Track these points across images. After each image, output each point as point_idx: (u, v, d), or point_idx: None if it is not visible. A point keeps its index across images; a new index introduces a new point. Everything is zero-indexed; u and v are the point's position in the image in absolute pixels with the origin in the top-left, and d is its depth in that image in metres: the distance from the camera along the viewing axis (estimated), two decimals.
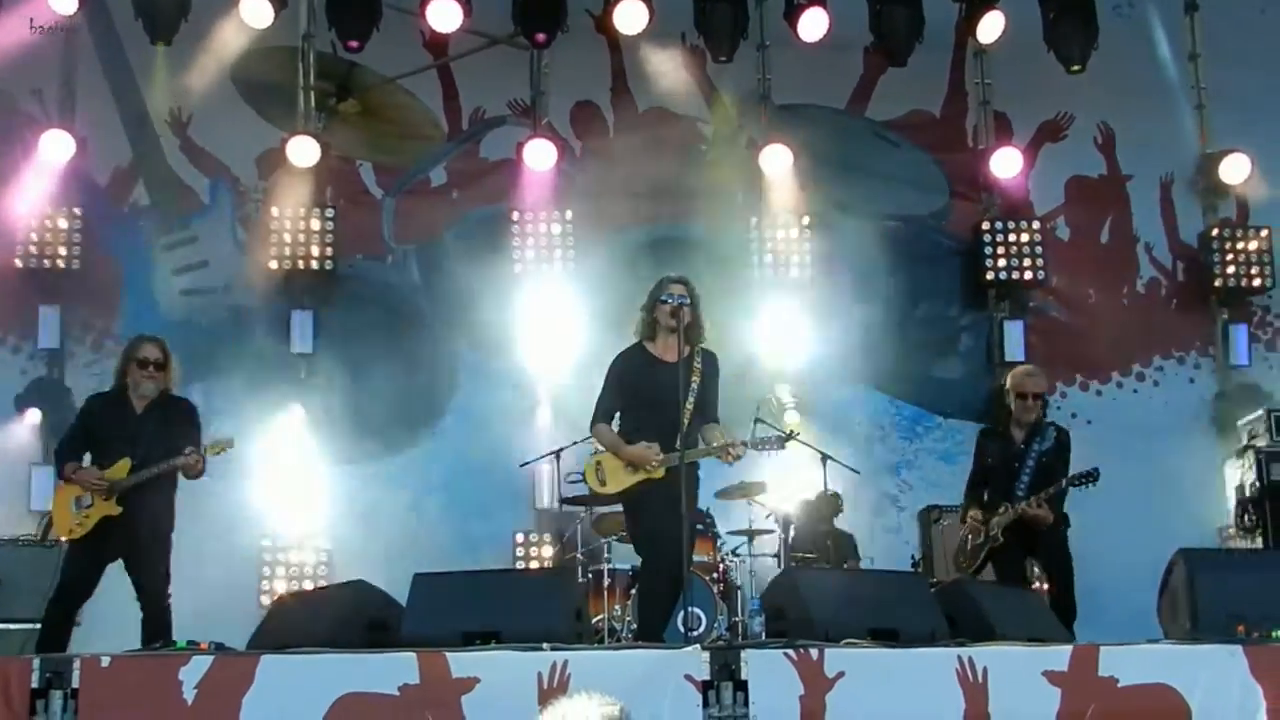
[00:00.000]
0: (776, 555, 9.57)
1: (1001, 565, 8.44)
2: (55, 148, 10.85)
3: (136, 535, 7.77)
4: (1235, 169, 11.55)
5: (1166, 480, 10.94)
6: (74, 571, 7.81)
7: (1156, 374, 11.67)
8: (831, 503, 10.27)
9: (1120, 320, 11.72)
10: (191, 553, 10.10)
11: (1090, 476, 8.29)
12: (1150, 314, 11.82)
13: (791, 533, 9.95)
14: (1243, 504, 10.48)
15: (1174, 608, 7.14)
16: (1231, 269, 11.52)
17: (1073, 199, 11.96)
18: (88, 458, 7.96)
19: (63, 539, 7.97)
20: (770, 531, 9.67)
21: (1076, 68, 11.30)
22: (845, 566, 10.09)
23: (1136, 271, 11.89)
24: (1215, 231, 11.66)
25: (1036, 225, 11.51)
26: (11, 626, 8.26)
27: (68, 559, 7.92)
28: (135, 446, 7.79)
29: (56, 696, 5.42)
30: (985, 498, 8.54)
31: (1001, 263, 11.39)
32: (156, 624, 7.68)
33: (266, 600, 10.30)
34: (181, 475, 7.94)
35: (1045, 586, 8.59)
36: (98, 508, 7.77)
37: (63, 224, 10.82)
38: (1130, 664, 5.87)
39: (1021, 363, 11.12)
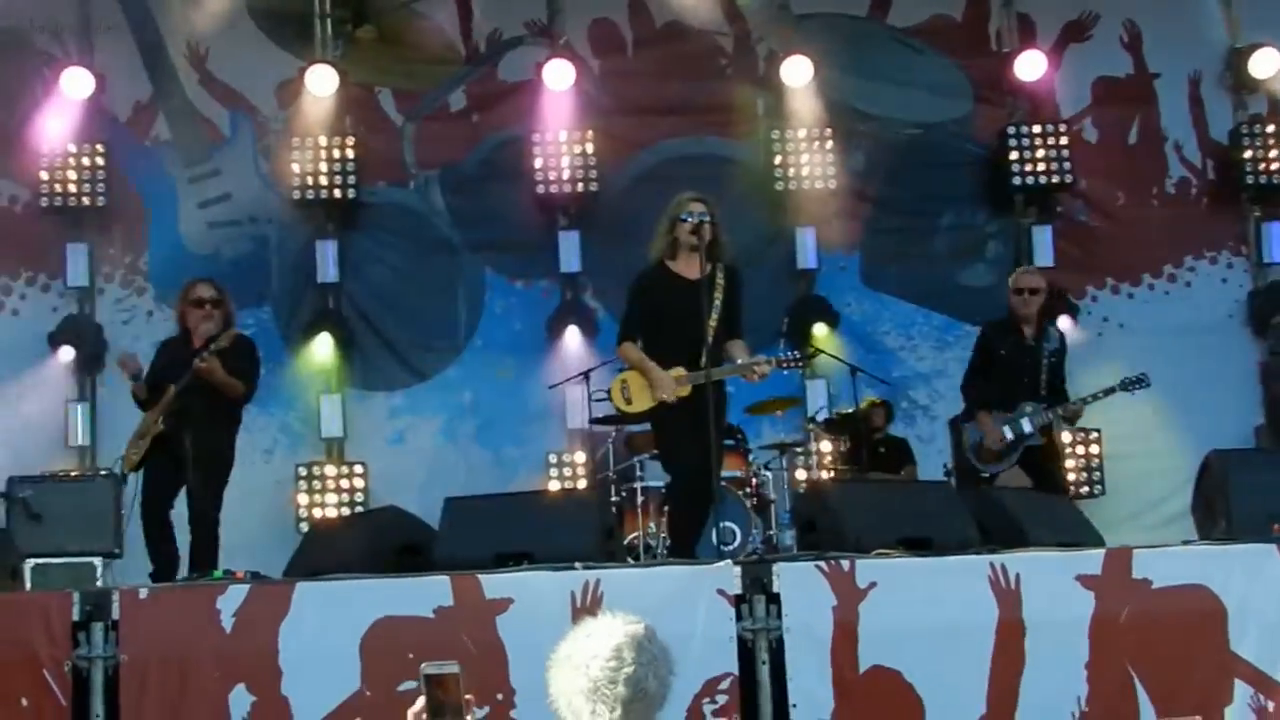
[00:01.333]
0: (816, 468, 9.59)
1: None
2: (75, 85, 10.85)
3: (184, 454, 7.85)
4: (1266, 63, 11.30)
5: (1201, 381, 10.87)
6: (145, 489, 8.00)
7: (1188, 275, 11.49)
8: (883, 410, 10.30)
9: (1150, 221, 11.54)
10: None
11: (1141, 381, 8.48)
12: (1181, 214, 11.62)
13: (844, 444, 9.99)
14: (1277, 403, 10.42)
15: (1209, 508, 7.12)
16: (1263, 165, 11.33)
17: (1099, 100, 11.73)
18: None
19: (128, 471, 8.11)
20: (801, 443, 9.68)
21: None
22: (903, 473, 10.15)
23: (1166, 171, 11.69)
24: (1246, 128, 11.46)
25: (1063, 128, 11.32)
26: (54, 561, 8.33)
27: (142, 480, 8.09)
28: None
29: (97, 628, 5.50)
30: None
31: (1028, 167, 11.22)
32: (199, 548, 7.78)
33: (305, 528, 10.40)
34: (225, 398, 8.00)
35: None
36: (151, 431, 7.94)
37: (86, 161, 10.84)
38: (1164, 566, 5.86)
39: (1050, 268, 11.12)
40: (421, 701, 3.26)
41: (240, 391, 8.06)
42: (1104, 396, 8.43)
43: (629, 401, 7.28)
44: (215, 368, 7.80)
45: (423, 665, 3.27)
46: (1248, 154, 11.35)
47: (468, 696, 3.28)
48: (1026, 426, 8.28)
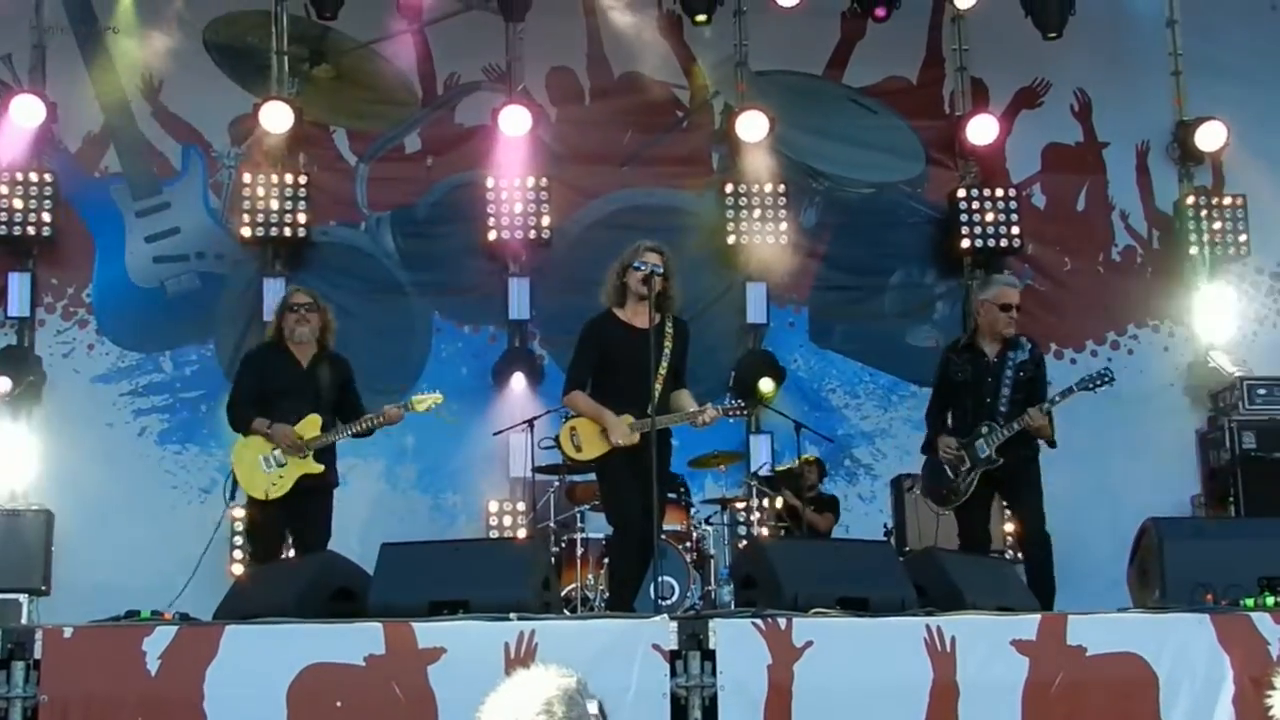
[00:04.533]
0: (749, 524, 9.58)
1: (968, 513, 8.04)
2: (25, 113, 10.74)
3: (322, 494, 7.80)
4: (1211, 136, 11.50)
5: (1140, 449, 10.97)
6: (271, 533, 7.84)
7: (1131, 343, 11.63)
8: (815, 468, 10.32)
9: (1095, 288, 11.69)
10: (162, 521, 10.14)
11: (1104, 378, 7.91)
12: (1125, 282, 11.77)
13: (779, 502, 9.99)
14: (1214, 473, 10.51)
15: (1143, 576, 7.17)
16: (1206, 237, 11.49)
17: (1049, 166, 11.90)
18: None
19: (257, 497, 7.80)
20: (744, 500, 9.68)
21: (1053, 35, 11.26)
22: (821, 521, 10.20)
23: (1112, 239, 11.85)
24: (1191, 199, 11.63)
25: (1012, 193, 11.46)
26: None
27: (260, 521, 7.88)
28: (315, 402, 7.80)
29: (18, 667, 5.40)
30: (949, 422, 8.09)
31: (977, 230, 11.34)
32: None
33: (238, 570, 10.26)
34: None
35: (1013, 526, 8.42)
36: (294, 466, 7.70)
37: (33, 190, 10.72)
38: (1098, 633, 5.87)
39: None
40: None
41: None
42: (1061, 400, 7.83)
43: (579, 449, 7.27)
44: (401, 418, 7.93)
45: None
46: (1192, 224, 11.49)
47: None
48: (982, 450, 7.83)
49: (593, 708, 3.15)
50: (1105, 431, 10.92)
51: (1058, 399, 7.86)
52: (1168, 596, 6.69)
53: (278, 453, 7.73)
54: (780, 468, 10.36)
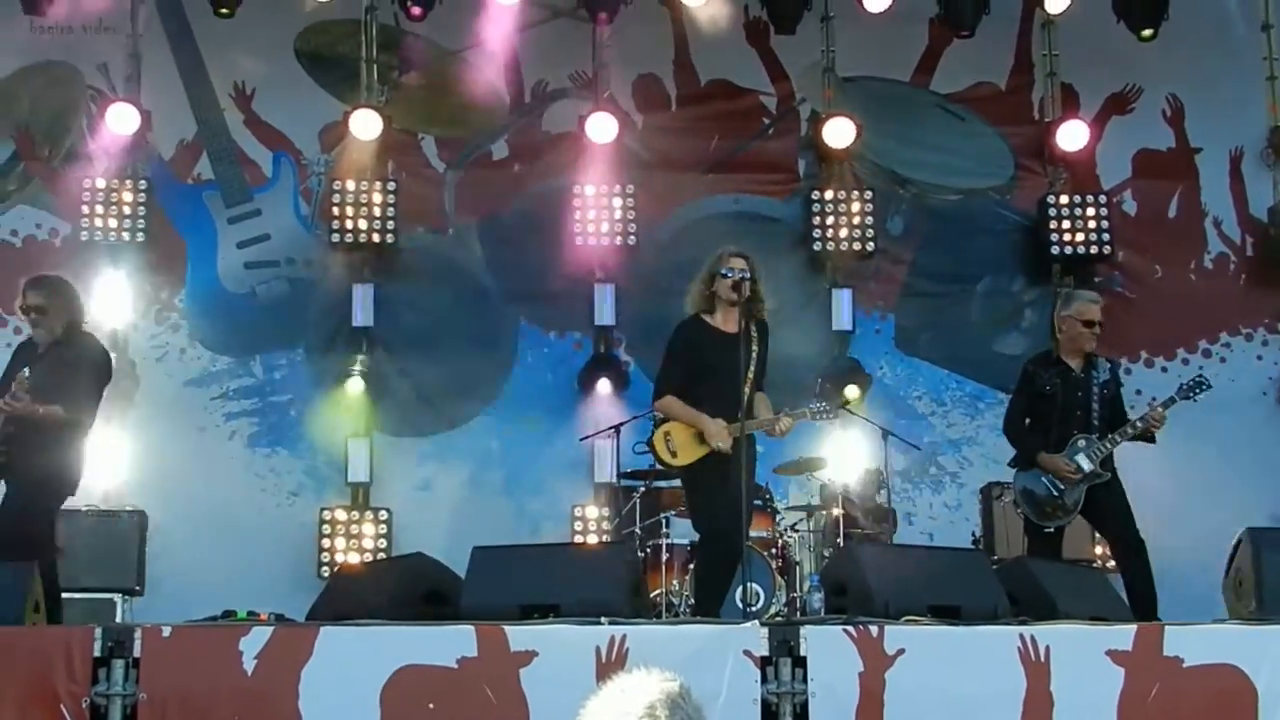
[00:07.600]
0: (822, 531, 9.49)
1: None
2: (120, 121, 10.93)
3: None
4: None
5: (1233, 458, 10.78)
6: None
7: (1224, 351, 11.43)
8: (875, 478, 10.22)
9: (1187, 296, 11.51)
10: (252, 522, 10.30)
11: (1201, 385, 7.94)
12: (1218, 290, 11.57)
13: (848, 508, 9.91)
14: None
15: (1240, 587, 7.05)
16: None
17: (1140, 172, 11.72)
18: None
19: None
20: (826, 506, 9.62)
21: (1148, 32, 11.10)
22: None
23: (1204, 246, 11.66)
24: None
25: (1103, 199, 11.30)
26: (74, 596, 8.30)
27: None
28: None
29: (118, 665, 5.48)
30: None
31: (1067, 237, 11.20)
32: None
33: (326, 572, 10.37)
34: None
35: (1103, 532, 8.30)
36: None
37: (127, 196, 10.91)
38: (1196, 644, 5.79)
39: None
40: None
41: (60, 418, 6.90)
42: (1165, 410, 7.81)
43: (674, 454, 7.23)
44: (20, 409, 6.76)
45: None
46: None
47: None
48: (1086, 464, 7.78)
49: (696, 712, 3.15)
50: (1197, 441, 10.72)
51: (1161, 407, 7.86)
52: (1266, 608, 6.58)
53: None
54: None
